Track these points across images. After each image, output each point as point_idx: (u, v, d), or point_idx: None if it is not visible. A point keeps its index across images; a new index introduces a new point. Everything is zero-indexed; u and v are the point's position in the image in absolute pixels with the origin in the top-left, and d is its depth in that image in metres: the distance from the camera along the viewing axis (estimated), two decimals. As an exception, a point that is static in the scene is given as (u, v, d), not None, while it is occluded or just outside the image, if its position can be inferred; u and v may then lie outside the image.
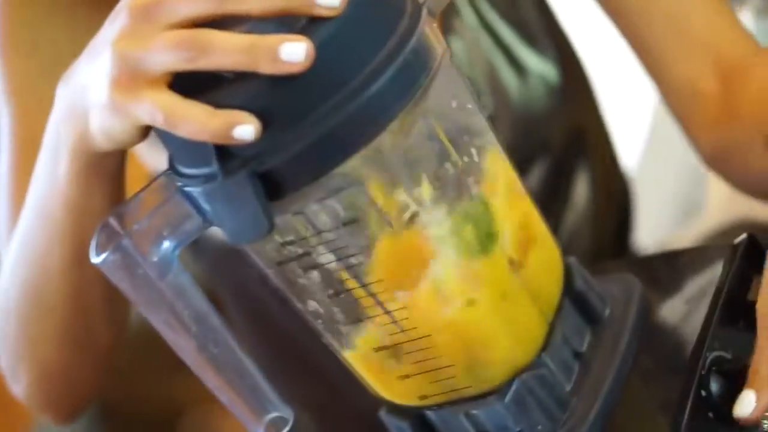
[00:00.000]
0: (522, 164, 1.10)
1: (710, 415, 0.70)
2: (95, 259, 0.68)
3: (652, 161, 1.71)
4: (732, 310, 0.74)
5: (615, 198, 1.24)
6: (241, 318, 1.17)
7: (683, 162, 1.61)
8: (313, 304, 0.72)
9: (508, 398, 0.72)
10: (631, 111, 1.85)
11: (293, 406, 1.24)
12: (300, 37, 0.63)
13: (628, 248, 1.27)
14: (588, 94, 1.19)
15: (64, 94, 0.73)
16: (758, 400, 0.70)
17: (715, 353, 0.72)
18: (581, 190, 1.16)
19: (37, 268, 0.85)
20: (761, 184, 0.93)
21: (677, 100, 0.98)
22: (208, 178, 0.66)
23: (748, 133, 0.92)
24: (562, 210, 1.15)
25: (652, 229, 1.46)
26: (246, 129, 0.63)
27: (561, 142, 1.13)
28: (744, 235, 0.77)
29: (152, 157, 1.05)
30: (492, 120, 0.73)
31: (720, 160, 0.98)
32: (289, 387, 1.22)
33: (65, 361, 0.91)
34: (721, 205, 1.31)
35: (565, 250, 0.72)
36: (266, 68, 0.62)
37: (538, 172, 1.12)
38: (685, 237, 1.27)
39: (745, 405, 0.70)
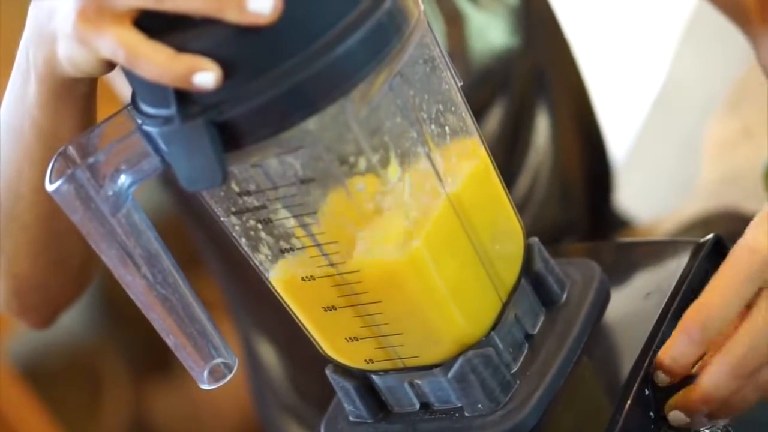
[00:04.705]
0: (482, 106, 1.08)
1: (651, 414, 0.69)
2: (49, 187, 0.67)
3: (652, 135, 1.69)
4: (689, 310, 0.73)
5: (585, 141, 1.20)
6: (208, 247, 1.16)
7: (684, 139, 1.59)
8: (264, 258, 0.71)
9: (451, 374, 0.71)
10: (636, 84, 1.83)
11: (261, 337, 1.24)
12: None
13: (606, 203, 1.24)
14: (552, 31, 1.15)
15: (34, 15, 0.72)
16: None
17: (665, 352, 0.71)
18: (543, 132, 1.13)
19: (10, 187, 0.84)
20: None
21: None
22: (166, 121, 0.64)
23: None
24: (525, 152, 1.12)
25: (644, 202, 1.45)
26: (206, 76, 0.62)
27: (522, 81, 1.10)
28: (711, 235, 0.75)
29: (125, 87, 1.03)
30: (451, 63, 0.70)
31: None
32: (256, 319, 1.22)
33: (39, 275, 0.91)
34: (712, 189, 1.30)
35: (529, 193, 0.70)
36: (232, 17, 0.61)
37: (497, 113, 1.09)
38: (670, 218, 1.25)
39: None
